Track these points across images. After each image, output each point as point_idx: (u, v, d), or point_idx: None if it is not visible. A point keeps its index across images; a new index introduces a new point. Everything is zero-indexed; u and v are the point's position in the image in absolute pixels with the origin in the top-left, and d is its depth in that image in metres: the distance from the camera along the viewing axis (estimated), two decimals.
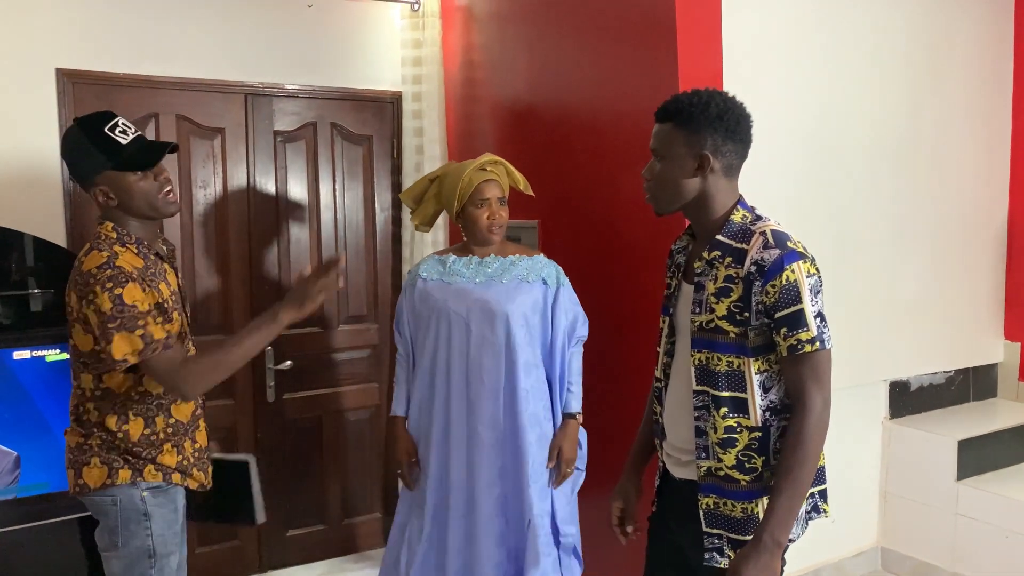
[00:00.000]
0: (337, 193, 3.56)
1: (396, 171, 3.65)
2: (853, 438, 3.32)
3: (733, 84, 2.65)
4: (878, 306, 3.25)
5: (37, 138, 2.93)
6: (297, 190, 3.48)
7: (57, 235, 2.95)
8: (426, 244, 3.48)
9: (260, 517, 2.34)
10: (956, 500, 3.22)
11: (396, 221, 3.67)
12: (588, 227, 2.99)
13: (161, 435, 2.05)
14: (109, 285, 1.85)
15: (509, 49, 3.33)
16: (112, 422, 1.99)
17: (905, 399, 3.49)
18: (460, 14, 3.56)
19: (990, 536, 3.12)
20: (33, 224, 2.88)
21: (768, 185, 2.63)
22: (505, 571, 2.56)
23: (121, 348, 1.85)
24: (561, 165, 3.05)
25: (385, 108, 3.63)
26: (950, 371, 3.61)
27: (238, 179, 3.34)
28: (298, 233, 3.49)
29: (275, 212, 3.43)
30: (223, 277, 3.34)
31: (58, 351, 2.69)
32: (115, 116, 1.99)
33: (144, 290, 1.90)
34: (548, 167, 3.09)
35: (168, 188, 2.02)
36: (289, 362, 3.42)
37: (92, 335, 1.91)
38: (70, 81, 2.98)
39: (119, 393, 1.99)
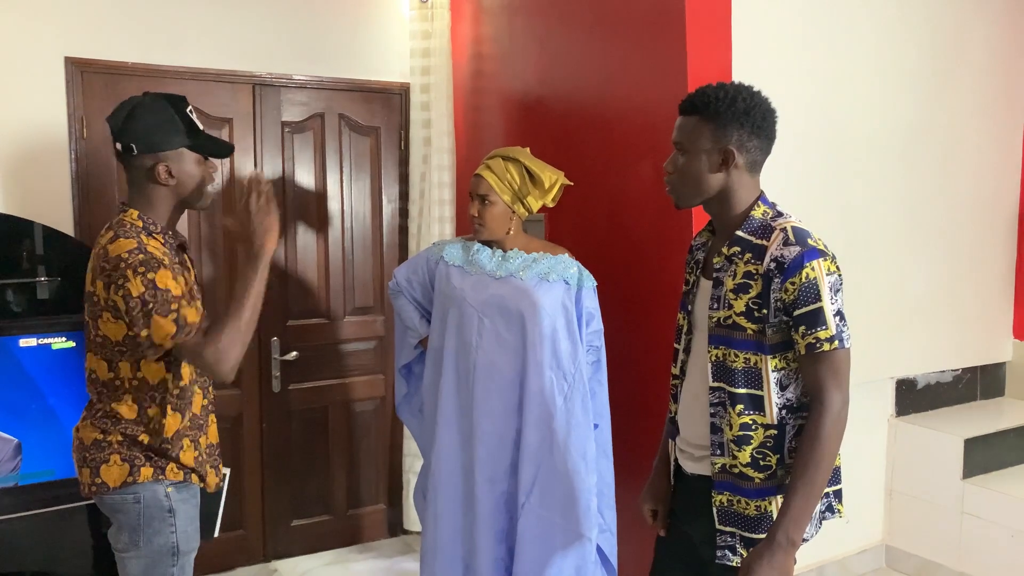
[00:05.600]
0: (344, 184, 3.55)
1: (403, 163, 3.64)
2: (859, 435, 3.29)
3: (742, 78, 2.58)
4: (886, 303, 3.24)
5: (45, 127, 2.92)
6: (304, 181, 3.47)
7: (65, 223, 2.95)
8: (432, 237, 3.46)
9: (215, 532, 2.26)
10: (962, 499, 3.22)
11: (403, 213, 3.66)
12: (595, 220, 2.97)
13: (183, 430, 2.01)
14: (141, 269, 1.80)
15: (518, 41, 3.31)
16: (154, 412, 1.94)
17: (912, 397, 3.48)
18: (469, 6, 3.54)
19: (996, 535, 3.12)
20: (41, 212, 2.87)
21: (776, 180, 2.60)
22: (506, 566, 2.55)
23: (160, 331, 1.80)
24: (569, 158, 3.03)
25: (393, 99, 3.61)
26: (958, 369, 3.60)
27: (246, 170, 3.32)
28: (305, 224, 3.48)
29: (282, 203, 3.41)
30: (229, 268, 3.33)
31: (64, 339, 2.68)
32: (187, 101, 2.00)
33: (175, 278, 1.86)
34: (556, 160, 3.04)
35: (214, 181, 2.06)
36: (295, 352, 3.42)
37: (124, 321, 1.85)
38: (79, 69, 2.96)
39: (153, 384, 1.94)
